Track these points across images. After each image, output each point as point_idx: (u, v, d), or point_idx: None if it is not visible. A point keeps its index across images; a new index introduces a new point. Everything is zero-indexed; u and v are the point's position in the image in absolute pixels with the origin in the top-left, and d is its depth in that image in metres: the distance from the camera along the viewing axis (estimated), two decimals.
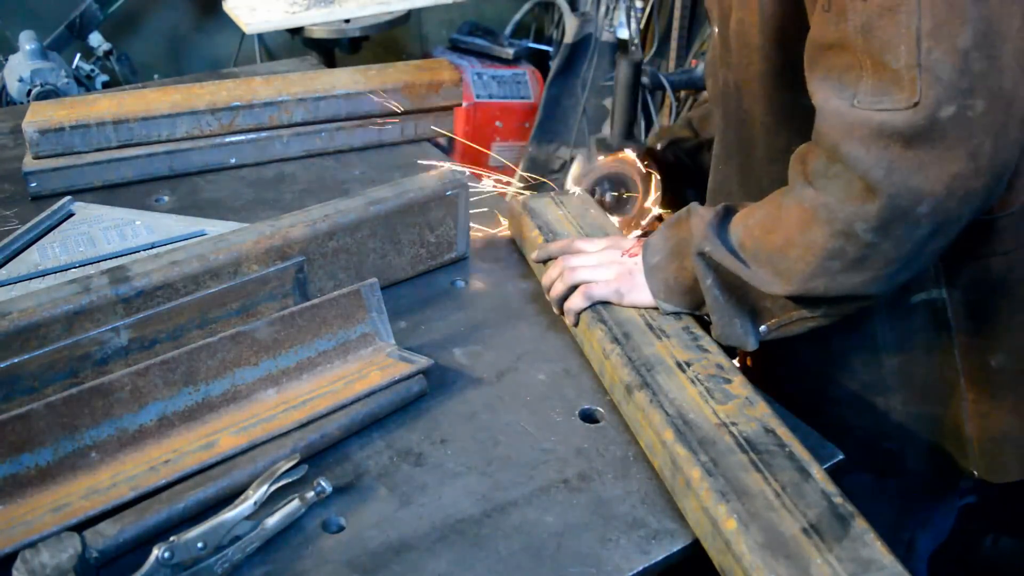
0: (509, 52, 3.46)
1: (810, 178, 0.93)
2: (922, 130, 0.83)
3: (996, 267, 1.08)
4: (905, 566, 1.35)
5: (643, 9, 3.21)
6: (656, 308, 1.12)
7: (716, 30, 1.18)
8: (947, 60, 0.82)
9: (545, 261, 1.24)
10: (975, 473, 1.18)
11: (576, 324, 1.16)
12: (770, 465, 0.89)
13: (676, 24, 3.14)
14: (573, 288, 1.15)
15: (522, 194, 1.46)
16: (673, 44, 3.17)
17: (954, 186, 0.85)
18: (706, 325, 1.10)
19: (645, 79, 2.89)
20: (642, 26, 3.22)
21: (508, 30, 3.66)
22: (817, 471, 0.88)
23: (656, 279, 1.10)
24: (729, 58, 1.14)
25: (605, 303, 1.13)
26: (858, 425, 1.20)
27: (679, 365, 1.03)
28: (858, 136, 0.86)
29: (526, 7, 3.65)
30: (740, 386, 1.01)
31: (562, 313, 1.18)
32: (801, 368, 1.21)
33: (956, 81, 0.82)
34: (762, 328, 1.05)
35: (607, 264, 1.15)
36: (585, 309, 1.14)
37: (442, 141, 1.75)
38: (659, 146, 1.53)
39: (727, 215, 1.04)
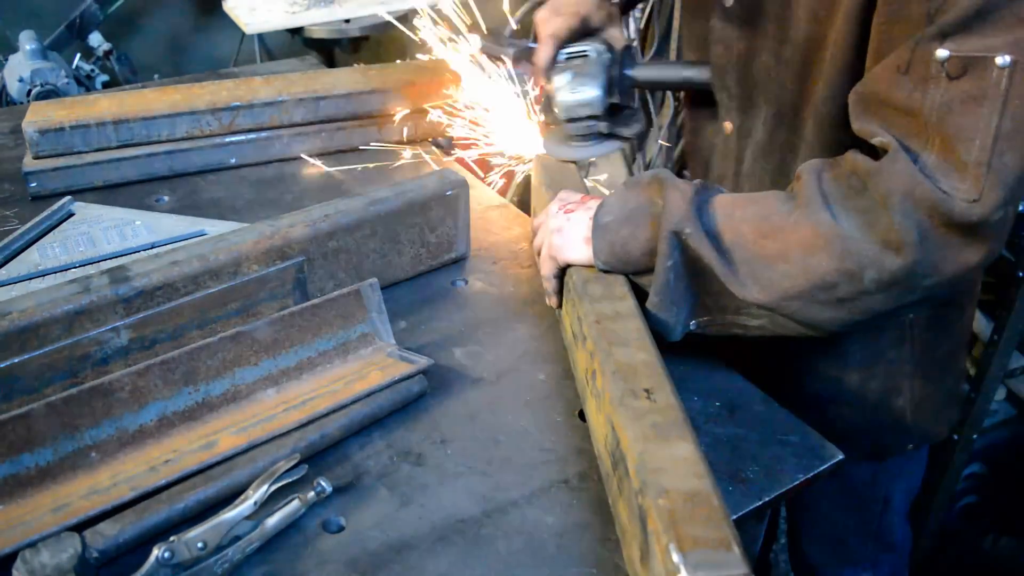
0: (509, 52, 3.46)
1: (830, 200, 0.91)
2: (970, 224, 0.86)
3: (964, 285, 1.15)
4: (883, 520, 1.40)
5: (643, 9, 3.21)
6: (589, 267, 1.08)
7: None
8: (1016, 167, 0.84)
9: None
10: (910, 446, 1.29)
11: (558, 306, 1.15)
12: None
13: (676, 24, 3.13)
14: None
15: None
16: (673, 44, 3.16)
17: (966, 270, 0.89)
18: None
19: None
20: (642, 26, 3.22)
21: (508, 30, 3.66)
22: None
23: (602, 239, 1.05)
24: (789, 30, 1.07)
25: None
26: (817, 399, 1.23)
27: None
28: (916, 197, 0.86)
29: (526, 7, 3.65)
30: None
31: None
32: (762, 370, 1.20)
33: (1015, 188, 0.85)
34: (692, 323, 1.04)
35: (548, 227, 1.12)
36: (548, 277, 1.13)
37: (442, 141, 1.74)
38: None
39: (706, 194, 1.01)
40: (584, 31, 1.31)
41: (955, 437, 2.01)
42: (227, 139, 1.57)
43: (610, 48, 1.28)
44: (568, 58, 1.29)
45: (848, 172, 0.93)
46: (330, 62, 3.04)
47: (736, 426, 1.04)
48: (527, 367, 1.13)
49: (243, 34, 2.86)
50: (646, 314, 1.02)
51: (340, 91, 1.60)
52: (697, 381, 1.10)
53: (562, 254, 1.10)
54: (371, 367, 1.07)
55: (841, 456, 1.01)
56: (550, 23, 1.31)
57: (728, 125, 1.23)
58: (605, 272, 1.07)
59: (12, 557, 0.79)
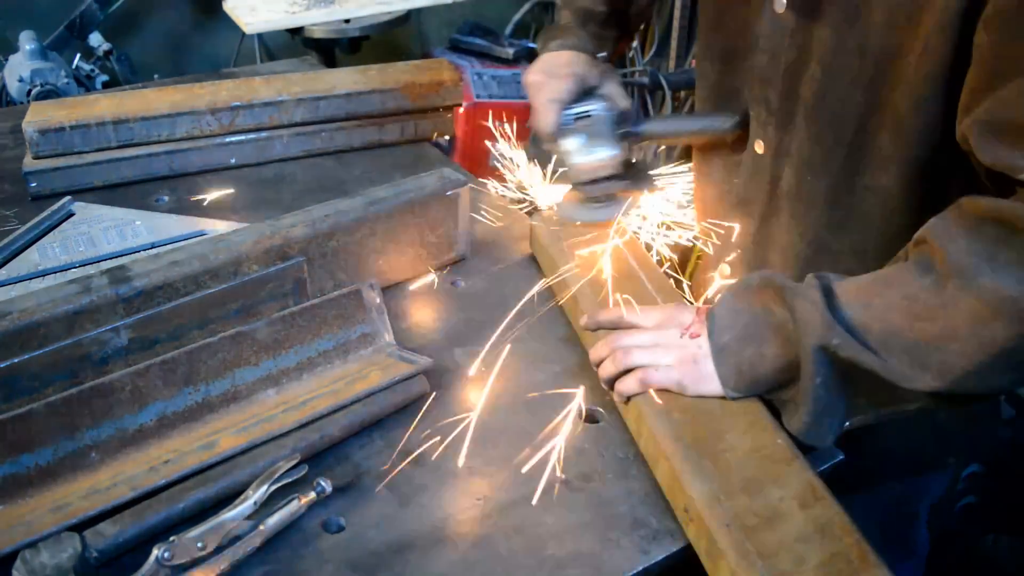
0: (509, 52, 3.46)
1: (980, 261, 0.83)
2: None
3: None
4: (908, 532, 1.35)
5: None
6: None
7: (786, 4, 1.06)
8: None
9: (595, 329, 1.12)
10: (951, 460, 1.23)
11: (626, 403, 1.04)
12: None
13: (676, 24, 3.14)
14: (626, 370, 1.03)
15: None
16: (673, 44, 3.17)
17: None
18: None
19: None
20: (642, 26, 3.22)
21: (508, 30, 3.66)
22: None
23: (726, 364, 0.97)
24: (847, 38, 1.00)
25: None
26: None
27: None
28: None
29: (526, 7, 3.65)
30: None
31: (610, 389, 1.05)
32: None
33: None
34: (847, 423, 0.96)
35: (665, 347, 1.01)
36: (627, 394, 1.02)
37: (442, 141, 1.75)
38: (603, 55, 1.33)
39: (829, 291, 0.91)
40: (582, 91, 1.27)
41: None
42: (227, 139, 1.57)
43: (613, 106, 1.26)
44: (576, 119, 1.25)
45: (978, 220, 0.85)
46: (330, 62, 3.03)
47: None
48: (527, 367, 1.13)
49: (243, 34, 2.86)
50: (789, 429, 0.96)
51: (340, 91, 1.60)
52: None
53: (695, 387, 0.99)
54: (371, 367, 1.07)
55: (841, 456, 1.01)
56: (547, 87, 1.24)
57: (760, 144, 1.16)
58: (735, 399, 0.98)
59: (12, 557, 0.79)
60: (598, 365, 1.07)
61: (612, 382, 1.04)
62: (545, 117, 1.24)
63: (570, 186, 1.30)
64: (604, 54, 1.33)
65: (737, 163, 1.23)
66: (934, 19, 0.90)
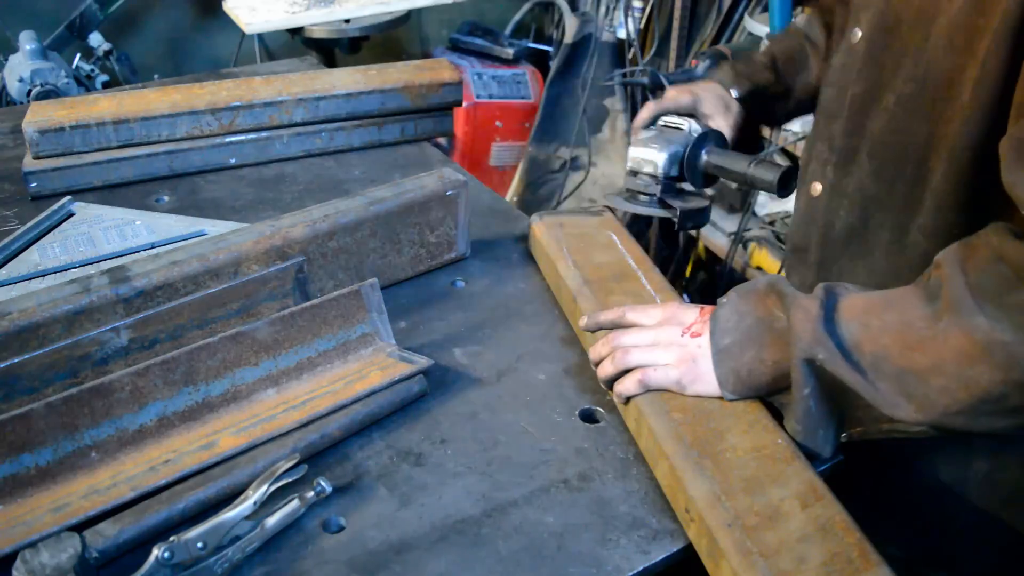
0: (509, 52, 3.46)
1: (981, 299, 0.78)
2: None
3: None
4: None
5: (643, 9, 3.21)
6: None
7: (861, 35, 1.04)
8: None
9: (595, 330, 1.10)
10: None
11: (626, 403, 1.03)
12: None
13: (676, 24, 3.14)
14: (626, 370, 1.02)
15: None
16: (673, 44, 3.17)
17: None
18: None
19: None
20: (642, 26, 3.22)
21: (508, 30, 3.67)
22: None
23: (725, 367, 0.95)
24: (908, 81, 0.96)
25: None
26: (935, 488, 1.11)
27: None
28: None
29: (526, 7, 3.66)
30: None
31: (610, 389, 1.05)
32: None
33: None
34: (843, 436, 0.95)
35: (665, 345, 0.99)
36: (626, 395, 1.01)
37: (442, 141, 1.74)
38: (735, 93, 1.35)
39: (832, 305, 0.89)
40: (691, 110, 1.33)
41: None
42: (227, 139, 1.57)
43: (707, 129, 1.31)
44: (664, 125, 1.34)
45: (993, 257, 0.80)
46: (330, 62, 3.04)
47: None
48: (527, 367, 1.13)
49: (243, 34, 2.86)
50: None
51: (340, 91, 1.60)
52: None
53: (693, 387, 0.97)
54: (371, 367, 1.07)
55: (840, 456, 1.01)
56: (666, 94, 1.36)
57: (817, 186, 1.12)
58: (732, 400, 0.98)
59: (12, 557, 0.79)
60: (597, 364, 1.05)
61: (611, 382, 1.03)
62: (641, 114, 1.36)
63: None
64: (739, 91, 1.37)
65: (798, 210, 1.21)
66: (989, 39, 0.86)
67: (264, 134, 1.59)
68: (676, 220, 1.28)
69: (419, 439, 1.02)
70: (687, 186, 1.32)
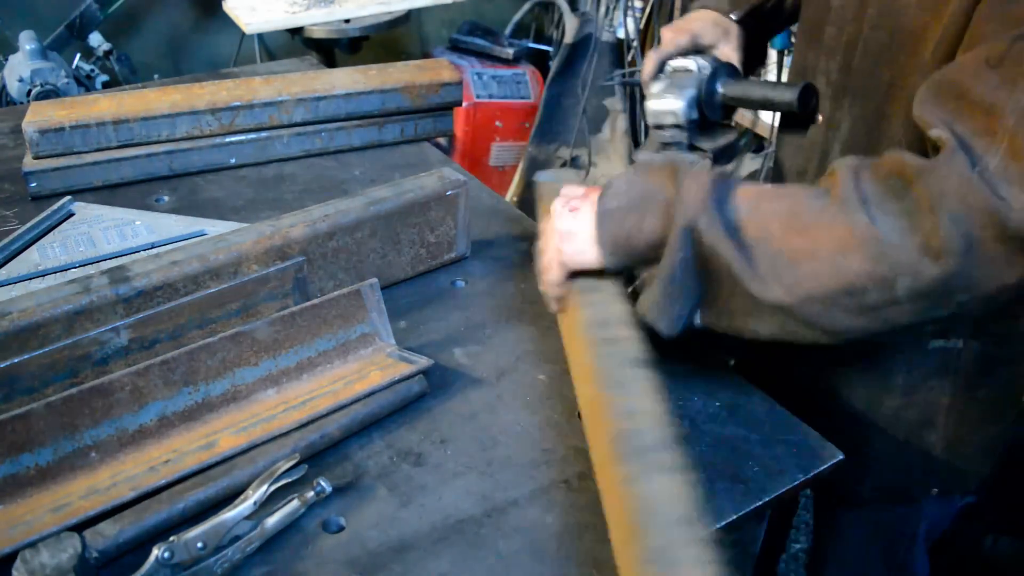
0: (509, 52, 3.47)
1: (868, 201, 0.85)
2: (1021, 239, 0.79)
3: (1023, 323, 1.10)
4: (908, 555, 1.38)
5: (643, 9, 3.21)
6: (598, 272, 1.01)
7: None
8: None
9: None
10: (934, 491, 1.25)
11: (560, 310, 1.07)
12: None
13: None
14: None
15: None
16: None
17: (1003, 290, 0.83)
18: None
19: None
20: (642, 26, 3.22)
21: (508, 30, 3.67)
22: None
23: (607, 228, 0.97)
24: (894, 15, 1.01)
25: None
26: (850, 420, 1.21)
27: None
28: (969, 202, 0.80)
29: (526, 7, 3.66)
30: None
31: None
32: (795, 378, 1.19)
33: None
34: (697, 320, 0.97)
35: (554, 229, 1.03)
36: (552, 284, 1.05)
37: (442, 141, 1.74)
38: (735, 16, 1.36)
39: (726, 185, 0.93)
40: (693, 47, 1.31)
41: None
42: (227, 139, 1.57)
43: (715, 63, 1.29)
44: (672, 71, 1.31)
45: (889, 173, 0.87)
46: (330, 62, 3.04)
47: (736, 426, 1.04)
48: (527, 367, 1.13)
49: (243, 34, 2.86)
50: (640, 306, 0.98)
51: (340, 91, 1.60)
52: (697, 381, 1.10)
53: (573, 259, 1.01)
54: (371, 367, 1.07)
55: (841, 456, 1.01)
56: (664, 41, 1.33)
57: (819, 116, 1.17)
58: (612, 273, 1.00)
59: (12, 557, 0.79)
60: None
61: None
62: (645, 66, 1.33)
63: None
64: (737, 13, 1.36)
65: (802, 136, 1.24)
66: (955, 4, 0.91)
67: (264, 134, 1.59)
68: (711, 160, 1.27)
69: (419, 439, 1.02)
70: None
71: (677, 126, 1.28)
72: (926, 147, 0.94)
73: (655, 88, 1.30)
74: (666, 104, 1.27)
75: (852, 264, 0.84)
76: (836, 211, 0.86)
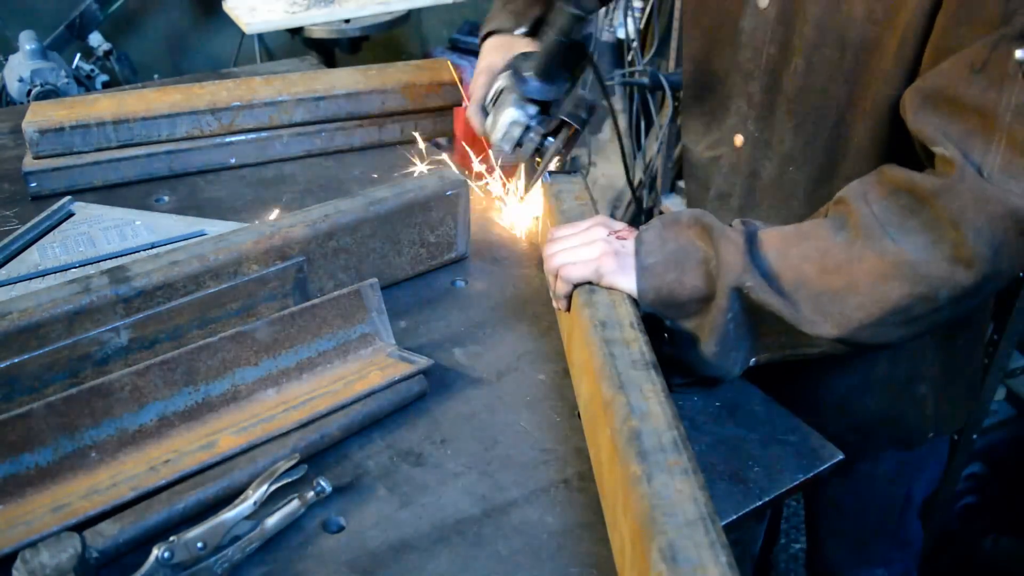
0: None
1: (887, 225, 0.91)
2: None
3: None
4: (902, 517, 1.43)
5: (643, 9, 3.21)
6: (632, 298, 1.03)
7: (768, 1, 1.09)
8: None
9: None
10: (931, 435, 1.30)
11: (567, 309, 1.08)
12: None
13: (676, 24, 3.13)
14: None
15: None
16: (673, 44, 3.16)
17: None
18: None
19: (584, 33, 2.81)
20: (642, 26, 3.22)
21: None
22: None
23: (648, 282, 1.01)
24: (827, 33, 1.04)
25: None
26: (843, 389, 1.25)
27: None
28: (990, 212, 0.85)
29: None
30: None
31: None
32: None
33: None
34: (752, 360, 1.03)
35: (589, 243, 1.06)
36: (570, 292, 1.06)
37: (442, 141, 1.75)
38: (519, 32, 1.35)
39: (753, 235, 0.98)
40: (494, 79, 1.28)
41: (955, 437, 2.01)
42: (227, 139, 1.57)
43: (516, 74, 1.24)
44: (490, 102, 1.29)
45: (895, 189, 0.92)
46: (330, 62, 3.04)
47: (736, 426, 1.04)
48: (527, 367, 1.13)
49: (243, 34, 2.86)
50: (696, 358, 1.02)
51: (340, 91, 1.60)
52: None
53: (611, 277, 1.03)
54: (371, 367, 1.07)
55: (841, 456, 1.01)
56: (472, 95, 1.33)
57: (740, 138, 1.19)
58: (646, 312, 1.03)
59: (12, 557, 0.79)
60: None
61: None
62: (474, 123, 1.32)
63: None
64: (522, 29, 1.36)
65: (717, 158, 1.26)
66: (910, 13, 0.95)
67: (264, 134, 1.59)
68: (579, 127, 1.21)
69: (419, 439, 1.02)
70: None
71: (527, 128, 1.25)
72: (896, 153, 0.99)
73: (488, 122, 1.28)
74: (503, 120, 1.24)
75: (893, 290, 0.90)
76: (862, 243, 0.92)
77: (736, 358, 1.02)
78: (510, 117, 1.24)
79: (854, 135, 1.07)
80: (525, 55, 1.25)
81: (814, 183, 1.14)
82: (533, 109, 1.24)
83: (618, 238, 1.06)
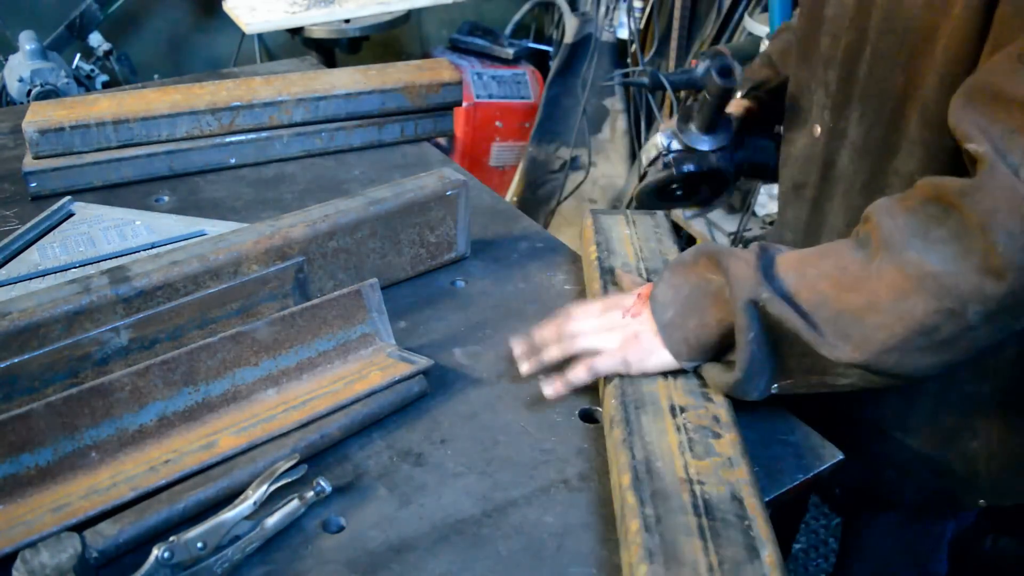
0: (509, 52, 3.46)
1: (911, 236, 0.83)
2: None
3: None
4: (932, 555, 1.38)
5: (643, 9, 3.21)
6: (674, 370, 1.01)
7: None
8: None
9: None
10: (981, 502, 1.18)
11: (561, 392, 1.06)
12: (719, 535, 0.80)
13: (676, 24, 3.14)
14: (572, 357, 1.04)
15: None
16: (673, 44, 3.17)
17: None
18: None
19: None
20: (642, 26, 3.22)
21: (508, 30, 3.67)
22: (769, 555, 0.79)
23: (674, 338, 0.97)
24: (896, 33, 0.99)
25: None
26: (879, 424, 1.17)
27: (672, 409, 0.96)
28: (1021, 215, 0.77)
29: (526, 7, 3.65)
30: (728, 444, 0.92)
31: (548, 373, 1.06)
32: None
33: None
34: (774, 386, 0.97)
35: (609, 329, 1.02)
36: (575, 382, 1.04)
37: (442, 141, 1.75)
38: (739, 94, 1.38)
39: (767, 256, 0.93)
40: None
41: None
42: (227, 139, 1.57)
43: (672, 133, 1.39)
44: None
45: (924, 200, 0.85)
46: (330, 62, 3.04)
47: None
48: None
49: (243, 34, 2.86)
50: (721, 382, 0.98)
51: (340, 91, 1.60)
52: None
53: (639, 365, 1.00)
54: (371, 367, 1.07)
55: (841, 456, 1.01)
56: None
57: (817, 128, 1.16)
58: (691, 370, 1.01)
59: (12, 557, 0.79)
60: (542, 350, 1.07)
61: (553, 368, 1.05)
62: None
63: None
64: (740, 93, 1.43)
65: (793, 148, 1.24)
66: (963, 3, 0.90)
67: (264, 134, 1.59)
68: (673, 169, 1.35)
69: (419, 439, 1.02)
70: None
71: (656, 157, 1.38)
72: (945, 151, 0.94)
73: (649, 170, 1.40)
74: (649, 144, 1.40)
75: (916, 307, 0.82)
76: (883, 257, 0.84)
77: (758, 383, 0.96)
78: (659, 140, 1.39)
79: (908, 132, 1.02)
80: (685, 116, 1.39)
81: (872, 177, 1.09)
82: (678, 143, 1.36)
83: (632, 316, 1.01)
